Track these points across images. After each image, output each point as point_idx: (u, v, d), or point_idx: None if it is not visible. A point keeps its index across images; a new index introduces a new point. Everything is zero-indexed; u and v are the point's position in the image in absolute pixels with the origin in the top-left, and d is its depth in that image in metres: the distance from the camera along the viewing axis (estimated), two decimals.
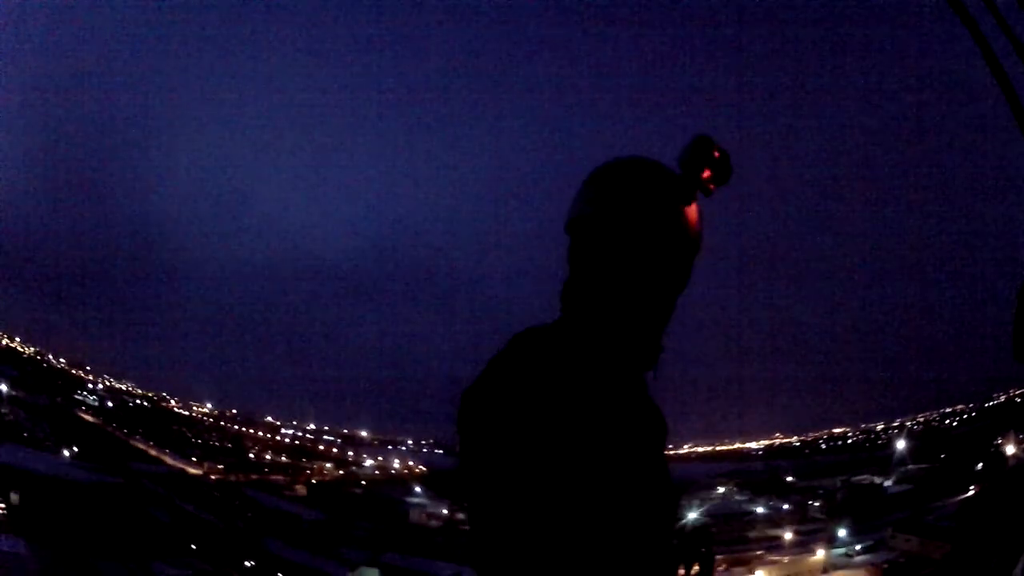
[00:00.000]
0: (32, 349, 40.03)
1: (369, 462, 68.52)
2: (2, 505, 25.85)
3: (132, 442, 43.10)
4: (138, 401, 48.46)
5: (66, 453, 33.77)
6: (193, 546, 35.45)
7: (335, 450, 67.60)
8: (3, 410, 32.45)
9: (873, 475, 45.78)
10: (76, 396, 40.94)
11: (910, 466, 44.01)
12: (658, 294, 1.23)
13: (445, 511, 49.69)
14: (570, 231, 1.26)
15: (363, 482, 63.54)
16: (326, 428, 71.81)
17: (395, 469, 68.40)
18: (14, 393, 34.37)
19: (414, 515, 50.38)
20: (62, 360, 41.29)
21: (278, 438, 63.88)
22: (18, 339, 38.69)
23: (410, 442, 77.27)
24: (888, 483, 42.59)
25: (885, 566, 29.81)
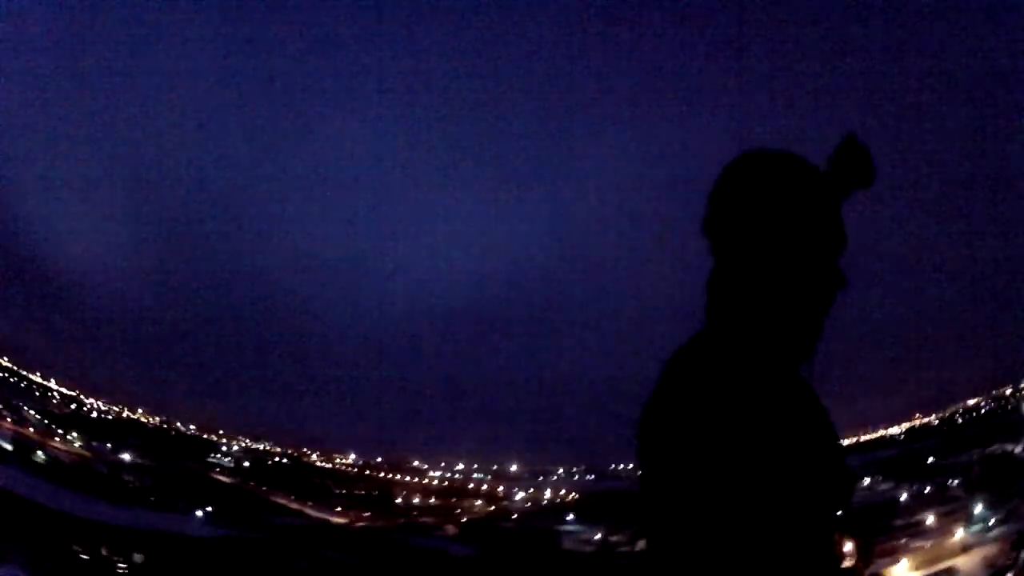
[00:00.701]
0: (157, 419, 41.26)
1: (520, 495, 67.31)
2: (124, 566, 26.26)
3: (271, 498, 43.51)
4: (277, 459, 49.28)
5: (199, 514, 34.24)
6: None
7: (484, 487, 66.82)
8: (127, 478, 33.35)
9: (1005, 443, 43.04)
10: (209, 460, 41.72)
11: None
12: (815, 296, 1.22)
13: (599, 536, 48.43)
14: (715, 231, 1.24)
15: (514, 515, 62.31)
16: (475, 466, 71.11)
17: (547, 499, 66.86)
18: (140, 461, 35.29)
19: (567, 542, 49.64)
20: (191, 425, 42.45)
21: (426, 481, 63.67)
22: (140, 409, 40.03)
23: (560, 471, 75.53)
24: (1019, 449, 39.98)
25: (1015, 537, 28.34)
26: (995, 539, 30.21)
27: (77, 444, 33.27)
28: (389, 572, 40.56)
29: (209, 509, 35.00)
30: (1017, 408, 47.55)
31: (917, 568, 30.61)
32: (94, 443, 33.90)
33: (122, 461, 33.99)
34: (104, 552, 25.82)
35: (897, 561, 30.78)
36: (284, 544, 36.09)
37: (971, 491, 35.77)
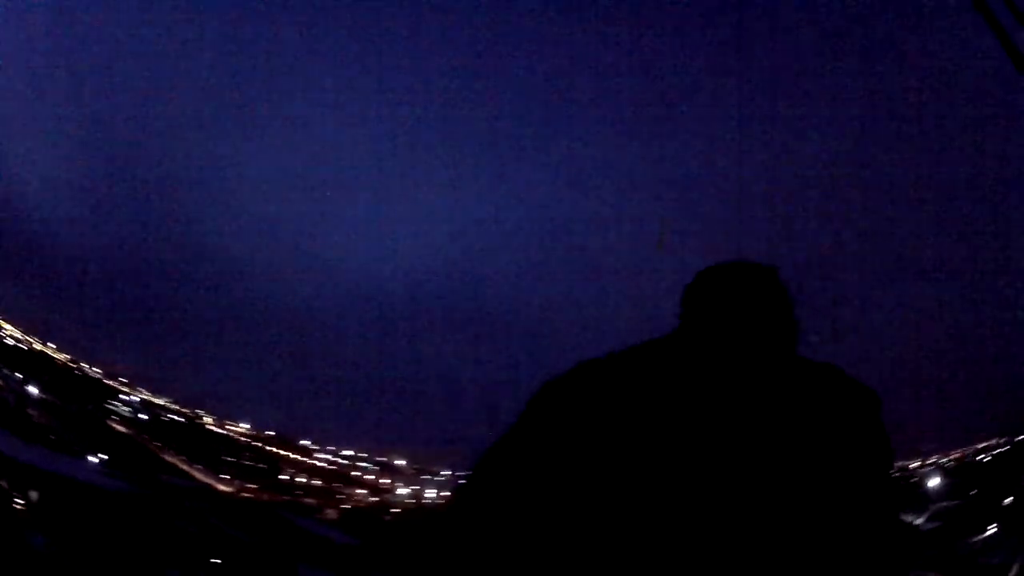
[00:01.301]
0: (66, 356, 40.09)
1: (404, 491, 67.60)
2: (22, 502, 25.61)
3: (163, 455, 42.74)
4: (173, 416, 48.27)
5: (94, 460, 33.53)
6: (217, 561, 34.78)
7: (370, 477, 66.78)
8: (32, 412, 32.47)
9: (907, 513, 44.82)
10: (108, 406, 40.77)
11: (942, 503, 43.90)
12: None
13: None
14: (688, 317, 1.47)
15: (397, 510, 62.56)
16: (362, 454, 70.96)
17: (430, 499, 67.40)
18: (44, 397, 34.34)
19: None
20: (96, 369, 41.32)
21: (313, 461, 63.26)
22: (51, 344, 38.82)
23: (447, 472, 76.36)
24: (919, 521, 42.42)
25: None
26: None
27: None
28: (272, 548, 40.35)
29: (104, 457, 34.36)
30: (921, 482, 49.30)
31: None
32: (5, 370, 32.84)
33: (30, 394, 33.01)
34: (4, 485, 25.19)
35: None
36: (173, 504, 35.62)
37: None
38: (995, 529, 31.86)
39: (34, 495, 26.52)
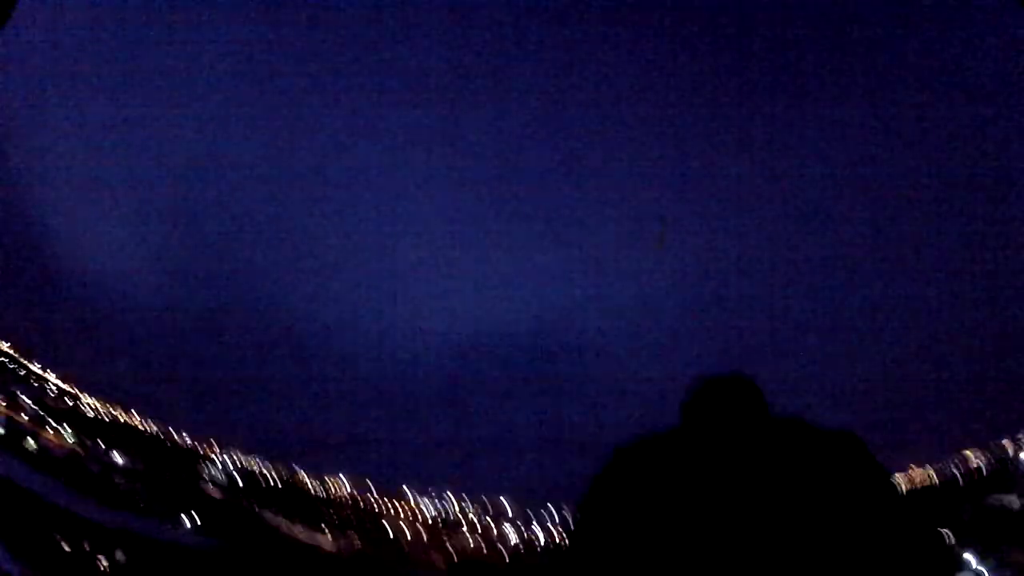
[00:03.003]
0: (155, 427, 40.94)
1: (513, 534, 66.29)
2: (105, 562, 25.77)
3: (262, 514, 42.98)
4: (270, 478, 48.73)
5: (187, 523, 33.76)
6: None
7: (476, 521, 65.91)
8: (118, 480, 32.91)
9: (1002, 494, 45.74)
10: (201, 471, 41.31)
11: None
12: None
13: None
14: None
15: (507, 554, 61.39)
16: (467, 499, 70.28)
17: (541, 539, 65.72)
18: (131, 466, 34.92)
19: None
20: (186, 436, 42.05)
21: (417, 510, 62.89)
22: (135, 414, 39.69)
23: (554, 512, 74.50)
24: (1015, 500, 41.42)
25: None
26: None
27: (70, 439, 33.02)
28: None
29: (196, 519, 34.57)
30: (1015, 461, 47.85)
31: None
32: (87, 440, 33.66)
33: (114, 462, 33.67)
34: (86, 547, 25.43)
35: None
36: (271, 561, 35.53)
37: (961, 540, 35.77)
38: None
39: (120, 556, 26.74)
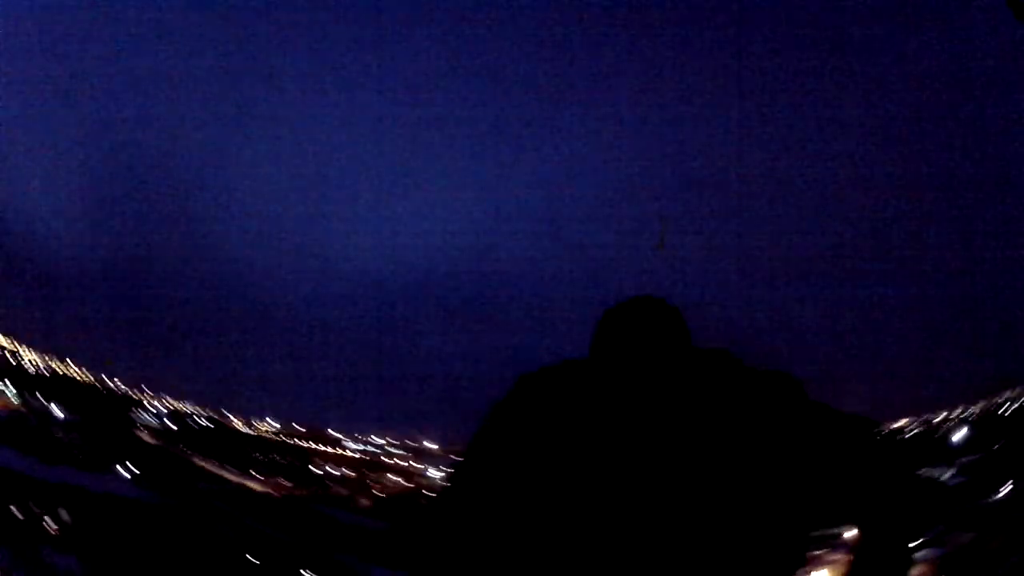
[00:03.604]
0: (87, 375, 40.52)
1: (437, 474, 68.21)
2: (52, 523, 25.95)
3: (194, 460, 43.26)
4: (200, 421, 48.75)
5: (126, 474, 33.87)
6: (259, 561, 35.20)
7: (402, 463, 67.37)
8: (58, 434, 32.78)
9: (932, 467, 45.09)
10: (135, 418, 41.24)
11: (966, 457, 43.70)
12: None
13: None
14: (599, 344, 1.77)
15: (431, 493, 63.16)
16: (393, 441, 71.41)
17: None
18: (67, 416, 34.71)
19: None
20: (119, 383, 41.71)
21: (343, 452, 63.86)
22: (70, 363, 39.19)
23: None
24: (946, 476, 42.21)
25: (939, 561, 29.77)
26: (920, 560, 31.55)
27: (14, 399, 32.48)
28: (309, 544, 40.75)
29: (135, 470, 34.71)
30: (946, 436, 50.03)
31: None
32: (27, 395, 33.20)
33: (54, 415, 33.34)
34: (34, 509, 25.51)
35: (817, 570, 32.48)
36: (209, 510, 35.98)
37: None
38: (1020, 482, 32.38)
39: (65, 515, 26.83)
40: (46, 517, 25.52)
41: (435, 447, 72.57)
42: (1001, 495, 34.32)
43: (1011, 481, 33.76)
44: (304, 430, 65.62)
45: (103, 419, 37.69)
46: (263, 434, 59.84)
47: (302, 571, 34.11)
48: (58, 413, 33.58)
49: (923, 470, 46.79)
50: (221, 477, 44.77)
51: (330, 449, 63.36)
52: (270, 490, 49.46)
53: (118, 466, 34.27)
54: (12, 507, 23.65)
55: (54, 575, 20.94)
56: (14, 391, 33.19)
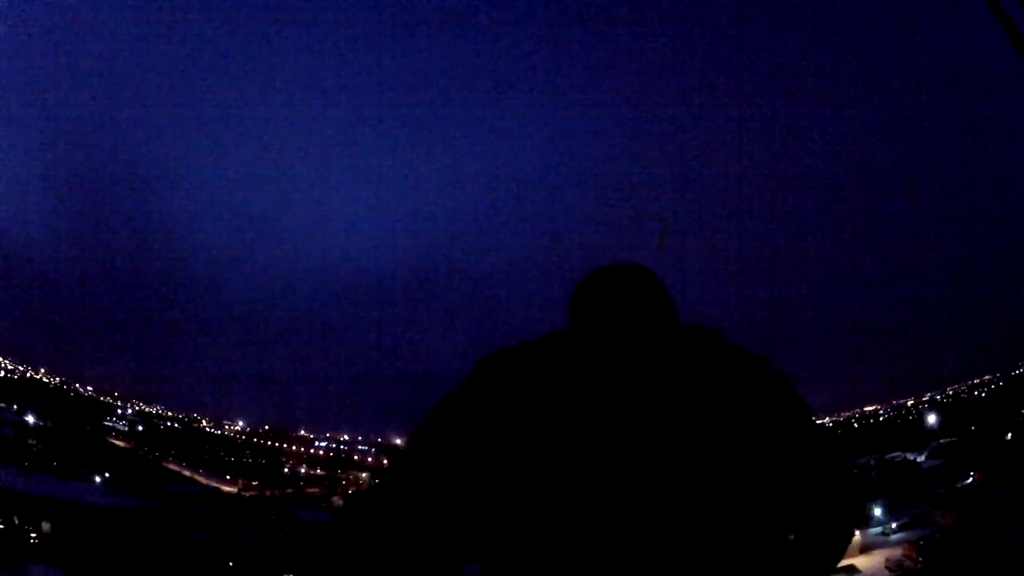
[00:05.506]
0: (58, 379, 40.09)
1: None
2: (34, 535, 25.79)
3: (165, 464, 43.10)
4: (169, 424, 48.52)
5: (98, 480, 33.72)
6: (231, 563, 35.31)
7: (370, 459, 67.49)
8: (31, 441, 32.46)
9: (906, 451, 45.70)
10: (106, 423, 40.98)
11: (941, 440, 44.16)
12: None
13: None
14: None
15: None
16: (360, 438, 71.67)
17: None
18: (41, 423, 34.38)
19: None
20: (89, 388, 41.37)
21: (312, 451, 63.85)
22: (43, 370, 38.79)
23: None
24: (921, 458, 42.42)
25: (921, 542, 29.77)
26: (897, 542, 31.02)
27: None
28: (280, 543, 40.98)
29: (107, 475, 34.61)
30: (919, 419, 50.08)
31: None
32: (2, 403, 32.79)
33: (26, 423, 32.97)
34: (16, 521, 25.41)
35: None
36: (180, 513, 35.97)
37: (869, 494, 36.25)
38: (994, 465, 32.47)
39: (46, 526, 26.75)
40: (27, 527, 25.43)
41: (400, 443, 72.96)
42: (970, 480, 34.09)
43: (994, 461, 33.23)
44: (273, 430, 65.58)
45: (75, 425, 37.43)
46: (233, 435, 59.61)
47: (277, 571, 34.41)
48: (29, 419, 33.28)
49: (897, 453, 46.70)
50: (192, 480, 44.75)
51: (300, 449, 63.35)
52: (241, 491, 49.50)
53: (94, 474, 34.14)
54: None
55: None
56: None
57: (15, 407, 34.73)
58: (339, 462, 64.87)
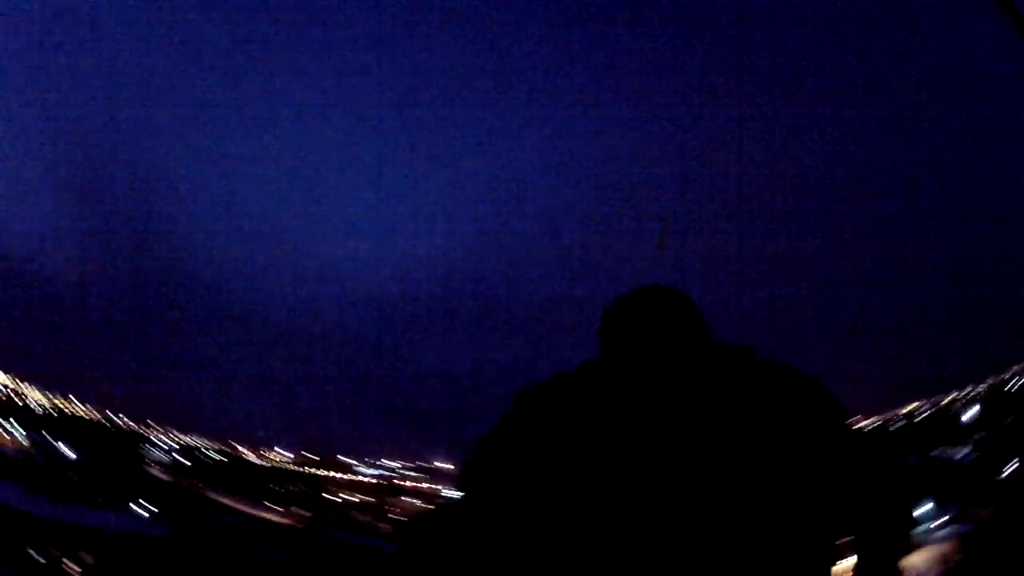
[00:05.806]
0: (97, 414, 39.42)
1: (454, 494, 66.89)
2: (75, 567, 24.67)
3: (209, 495, 42.04)
4: (210, 454, 47.56)
5: (143, 512, 32.90)
6: None
7: (417, 484, 66.17)
8: (71, 475, 31.71)
9: (947, 446, 45.07)
10: (144, 454, 40.05)
11: (979, 434, 43.89)
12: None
13: None
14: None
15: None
16: (406, 463, 70.38)
17: None
18: (79, 456, 33.63)
19: None
20: (125, 419, 40.60)
21: (358, 478, 62.58)
22: (78, 404, 38.13)
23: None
24: (961, 454, 42.02)
25: (964, 538, 29.54)
26: (944, 538, 31.11)
27: (24, 440, 31.40)
28: (330, 571, 39.82)
29: (152, 508, 33.78)
30: (957, 415, 49.71)
31: None
32: (34, 434, 32.10)
33: (62, 454, 32.23)
34: (54, 552, 24.24)
35: (845, 556, 32.50)
36: (227, 543, 34.94)
37: (917, 493, 37.02)
38: None
39: (88, 558, 25.61)
40: (66, 560, 24.28)
41: (449, 467, 71.07)
42: (1011, 472, 33.83)
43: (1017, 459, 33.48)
44: (316, 458, 64.20)
45: (113, 457, 36.48)
46: (275, 464, 58.41)
47: None
48: (67, 452, 32.56)
49: (938, 450, 46.24)
50: (237, 510, 43.57)
51: (343, 476, 61.95)
52: (288, 520, 48.24)
53: (133, 504, 33.19)
54: (31, 550, 22.37)
55: None
56: (22, 431, 31.96)
57: (51, 440, 34.03)
58: (384, 488, 63.61)
